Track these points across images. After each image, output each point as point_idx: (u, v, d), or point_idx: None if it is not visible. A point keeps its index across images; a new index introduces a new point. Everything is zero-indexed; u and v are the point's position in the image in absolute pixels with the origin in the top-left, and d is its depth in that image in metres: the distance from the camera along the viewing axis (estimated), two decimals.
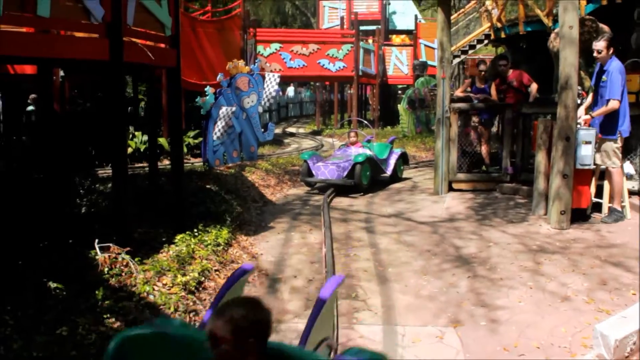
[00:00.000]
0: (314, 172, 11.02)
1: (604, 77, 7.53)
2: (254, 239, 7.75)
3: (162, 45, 7.08)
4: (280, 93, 40.22)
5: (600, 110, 7.51)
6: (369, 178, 11.06)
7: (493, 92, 10.65)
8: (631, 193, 8.18)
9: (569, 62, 7.42)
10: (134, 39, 6.26)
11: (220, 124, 12.49)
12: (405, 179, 12.41)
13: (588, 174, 7.66)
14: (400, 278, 6.09)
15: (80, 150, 13.26)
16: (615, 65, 7.46)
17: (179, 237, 6.66)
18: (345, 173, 10.74)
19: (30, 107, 13.38)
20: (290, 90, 40.54)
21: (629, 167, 8.35)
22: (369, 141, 12.32)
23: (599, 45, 7.49)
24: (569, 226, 7.48)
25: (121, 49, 5.81)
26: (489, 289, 5.62)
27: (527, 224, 7.86)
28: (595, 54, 7.58)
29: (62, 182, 8.87)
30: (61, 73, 11.79)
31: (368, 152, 11.29)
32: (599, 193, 7.95)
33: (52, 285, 4.83)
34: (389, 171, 11.90)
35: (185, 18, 16.16)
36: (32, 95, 13.22)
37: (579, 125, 7.52)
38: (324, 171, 10.90)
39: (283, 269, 6.52)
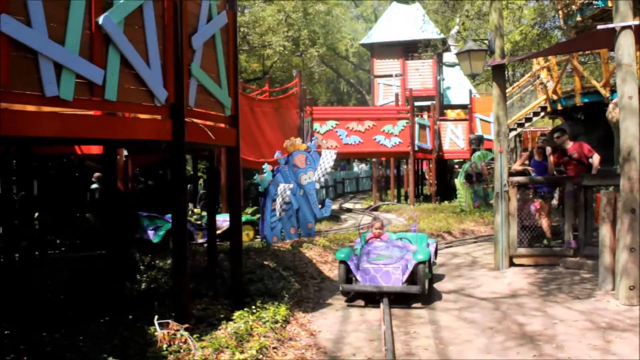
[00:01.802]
0: (358, 277, 8.35)
1: None
2: (312, 316, 7.68)
3: (222, 125, 7.28)
4: (346, 168, 41.03)
5: None
6: (428, 280, 8.46)
7: (550, 165, 10.52)
8: None
9: (630, 133, 7.30)
10: (195, 120, 6.47)
11: (278, 201, 12.64)
12: (441, 275, 10.05)
13: None
14: (462, 357, 5.90)
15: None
16: None
17: (237, 313, 6.66)
18: (406, 276, 8.15)
19: (94, 185, 13.83)
20: (355, 166, 41.49)
21: None
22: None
23: None
24: (639, 302, 7.18)
25: (183, 129, 6.01)
26: None
27: (594, 300, 7.58)
28: None
29: (124, 258, 9.06)
30: (125, 152, 12.22)
31: (414, 247, 8.90)
32: None
33: None
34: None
35: (243, 98, 16.69)
36: (97, 174, 13.69)
37: None
38: (375, 275, 8.22)
39: (342, 347, 6.41)
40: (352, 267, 8.42)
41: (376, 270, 8.25)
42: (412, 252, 8.46)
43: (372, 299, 8.12)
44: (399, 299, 8.00)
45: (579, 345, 5.94)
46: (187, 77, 6.20)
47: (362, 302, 8.17)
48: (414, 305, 7.97)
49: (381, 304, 7.64)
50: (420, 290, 7.92)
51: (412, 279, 8.17)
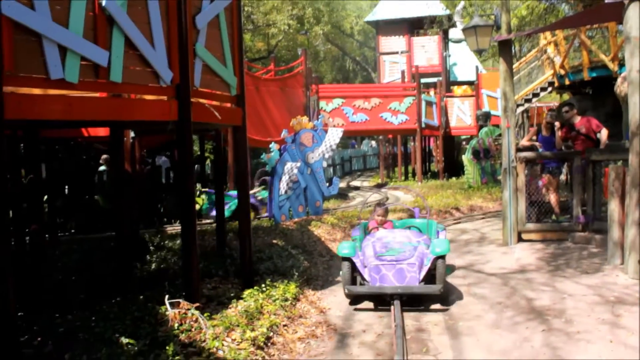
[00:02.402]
0: (366, 276, 7.05)
1: None
2: (322, 293, 7.71)
3: (228, 105, 7.27)
4: (356, 146, 40.97)
5: None
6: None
7: (558, 140, 10.47)
8: None
9: (639, 107, 7.23)
10: (201, 100, 6.46)
11: (284, 179, 12.63)
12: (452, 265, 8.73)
13: None
14: (472, 332, 5.92)
15: (150, 208, 13.65)
16: None
17: (247, 292, 6.70)
18: (423, 274, 6.93)
19: (102, 167, 13.87)
20: (365, 144, 41.33)
21: None
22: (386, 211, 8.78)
23: None
24: None
25: (189, 109, 6.00)
26: (566, 344, 5.39)
27: (602, 275, 7.58)
28: None
29: (133, 239, 9.10)
30: (131, 134, 12.25)
31: (426, 237, 7.87)
32: None
33: (124, 340, 4.91)
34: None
35: (249, 77, 16.65)
36: (104, 156, 13.73)
37: None
38: (386, 274, 6.91)
39: (352, 324, 6.44)
40: (358, 265, 7.16)
41: (388, 267, 6.93)
42: (426, 244, 7.39)
43: (381, 300, 6.92)
44: (414, 300, 6.85)
45: (588, 320, 5.95)
46: (192, 58, 6.17)
47: (370, 304, 7.09)
48: (432, 307, 6.85)
49: (392, 308, 6.50)
50: (441, 290, 6.71)
51: (429, 276, 7.02)
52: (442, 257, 7.03)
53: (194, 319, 5.46)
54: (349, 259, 7.19)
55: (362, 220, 9.00)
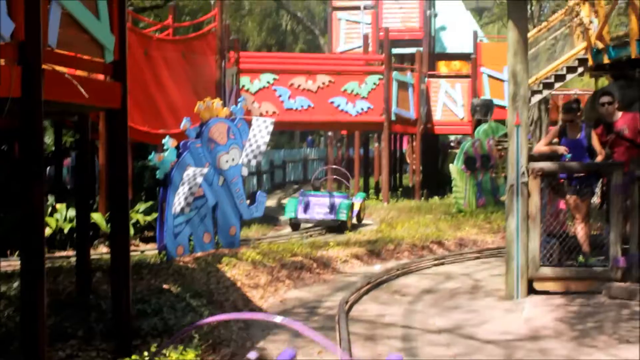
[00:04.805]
0: None
1: None
2: None
3: (101, 77, 7.17)
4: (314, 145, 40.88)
5: None
6: None
7: (595, 144, 10.62)
8: None
9: None
10: (58, 67, 6.33)
11: (181, 191, 12.50)
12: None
13: None
14: None
15: None
16: None
17: None
18: None
19: None
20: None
21: None
22: None
23: None
24: None
25: (39, 81, 5.87)
26: None
27: None
28: None
29: None
30: None
31: None
32: None
33: None
34: None
35: (134, 36, 16.47)
36: None
37: None
38: None
39: None
40: None
41: None
42: None
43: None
44: None
45: None
46: (47, 1, 6.06)
47: None
48: None
49: None
50: None
51: None
52: None
53: None
54: None
55: None
